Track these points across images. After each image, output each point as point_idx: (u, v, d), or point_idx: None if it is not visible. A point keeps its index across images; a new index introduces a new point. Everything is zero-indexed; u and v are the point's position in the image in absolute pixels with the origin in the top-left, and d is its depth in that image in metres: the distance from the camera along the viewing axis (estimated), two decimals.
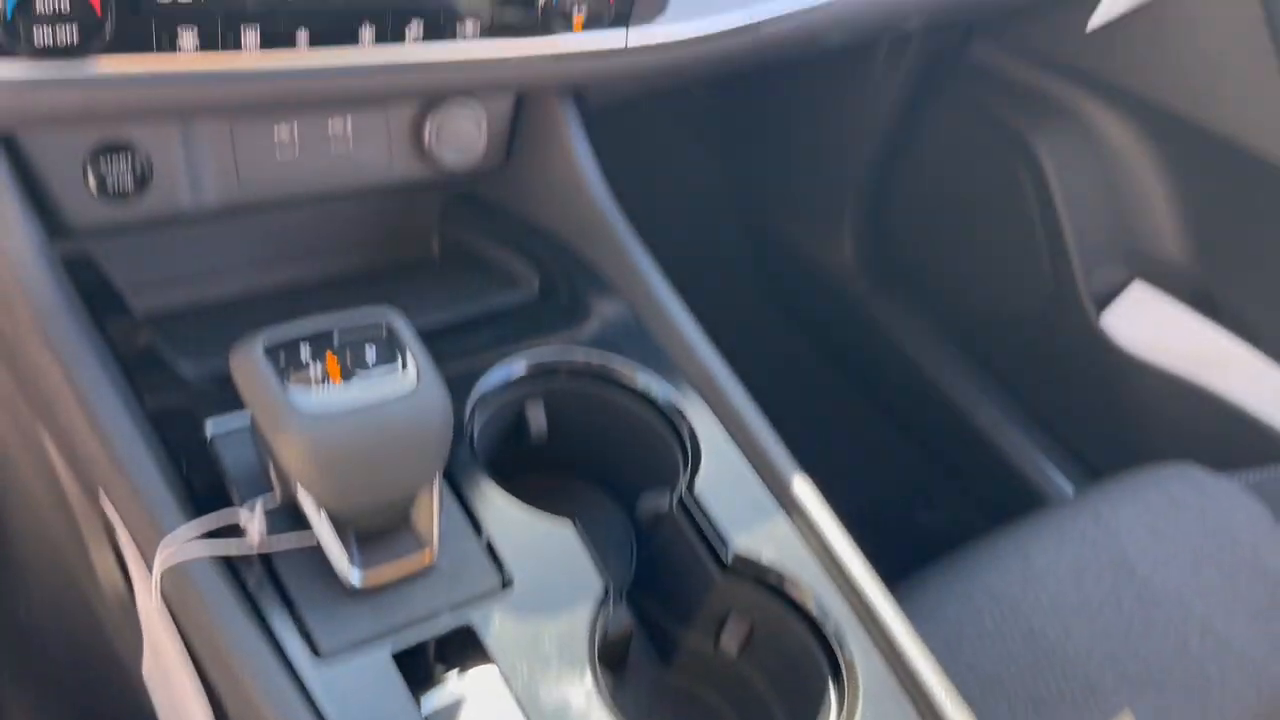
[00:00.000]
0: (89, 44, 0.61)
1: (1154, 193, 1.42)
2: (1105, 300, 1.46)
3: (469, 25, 0.75)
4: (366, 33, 0.71)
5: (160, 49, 0.65)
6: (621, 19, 0.81)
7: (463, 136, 0.86)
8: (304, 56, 0.70)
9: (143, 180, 0.75)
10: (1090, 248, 1.45)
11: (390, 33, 0.72)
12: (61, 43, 0.60)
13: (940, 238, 1.63)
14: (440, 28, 0.74)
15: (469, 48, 0.76)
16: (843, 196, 1.68)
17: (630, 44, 0.83)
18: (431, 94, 0.83)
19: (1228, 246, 1.38)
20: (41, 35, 0.59)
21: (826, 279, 1.73)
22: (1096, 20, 1.27)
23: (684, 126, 1.81)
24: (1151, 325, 1.43)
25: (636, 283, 0.87)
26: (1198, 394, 1.37)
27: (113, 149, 0.73)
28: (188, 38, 0.66)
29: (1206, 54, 1.29)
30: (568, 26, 0.77)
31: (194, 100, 0.70)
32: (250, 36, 0.68)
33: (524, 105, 0.90)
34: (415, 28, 0.73)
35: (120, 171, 0.74)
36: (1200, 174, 1.38)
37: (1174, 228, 1.42)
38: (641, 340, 0.83)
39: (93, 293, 0.74)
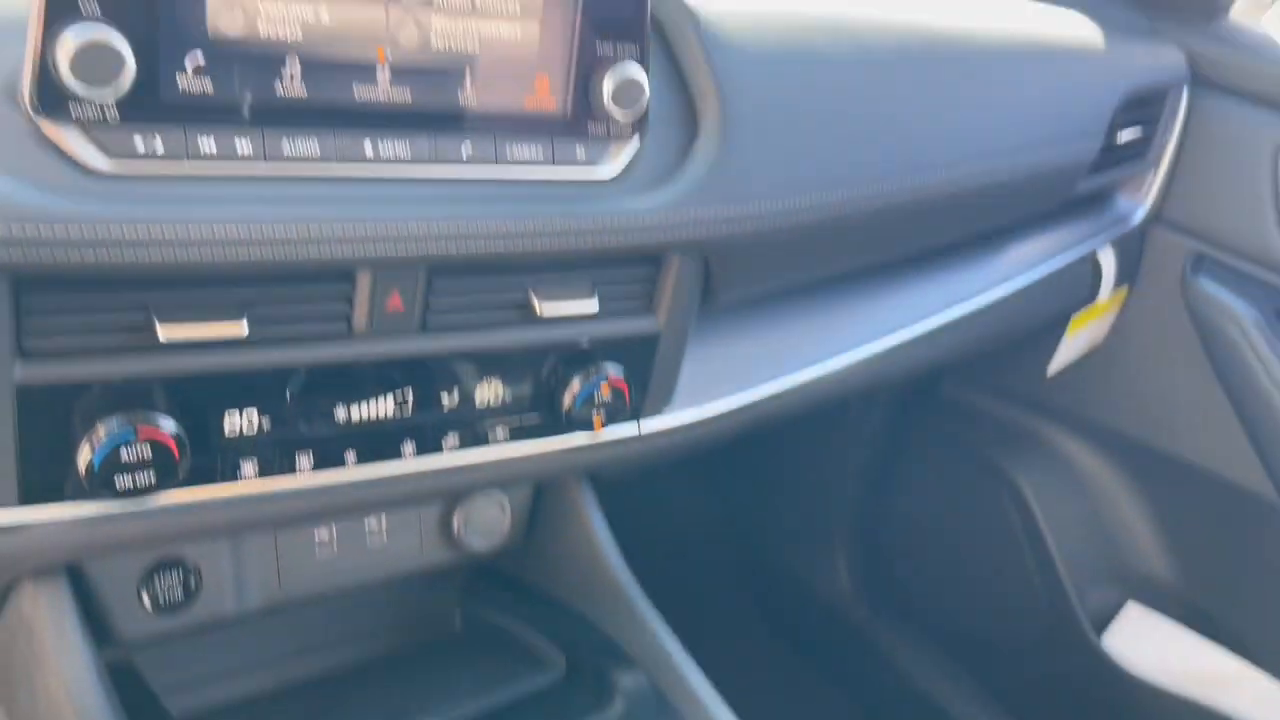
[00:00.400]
0: (163, 483, 0.67)
1: (1135, 516, 1.49)
2: (1103, 622, 1.49)
3: (499, 431, 0.82)
4: (409, 447, 0.78)
5: (224, 479, 0.71)
6: (635, 413, 0.88)
7: (489, 523, 0.92)
8: (351, 473, 0.77)
9: (192, 592, 0.79)
10: (1081, 571, 1.49)
11: (429, 445, 0.79)
12: (140, 485, 0.66)
13: (933, 563, 1.68)
14: (474, 437, 0.81)
15: (499, 451, 0.83)
16: (834, 525, 1.74)
17: (643, 432, 0.90)
18: (461, 491, 0.89)
19: (1213, 564, 1.43)
20: (123, 481, 0.65)
21: (827, 608, 1.75)
22: (1055, 366, 1.39)
23: (676, 465, 1.89)
24: (1152, 646, 1.46)
25: (657, 656, 0.90)
26: (1208, 717, 1.38)
27: (166, 565, 0.78)
28: (249, 467, 0.72)
29: (1159, 388, 1.41)
30: (589, 427, 0.84)
31: (250, 519, 0.75)
32: (304, 460, 0.74)
33: (543, 488, 0.96)
34: (452, 439, 0.80)
35: (171, 586, 0.78)
36: (1175, 496, 1.45)
37: (1159, 548, 1.48)
38: (667, 716, 0.85)
39: (133, 699, 0.76)
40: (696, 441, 0.97)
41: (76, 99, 0.57)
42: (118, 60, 0.57)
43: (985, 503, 1.54)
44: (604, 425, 0.84)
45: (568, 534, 0.96)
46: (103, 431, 0.64)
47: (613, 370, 0.83)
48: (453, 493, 0.89)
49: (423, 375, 0.76)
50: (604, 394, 0.83)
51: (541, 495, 0.96)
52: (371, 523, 0.87)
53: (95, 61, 0.56)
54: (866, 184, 0.93)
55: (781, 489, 1.76)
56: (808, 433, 1.69)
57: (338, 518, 0.85)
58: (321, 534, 0.85)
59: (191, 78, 0.61)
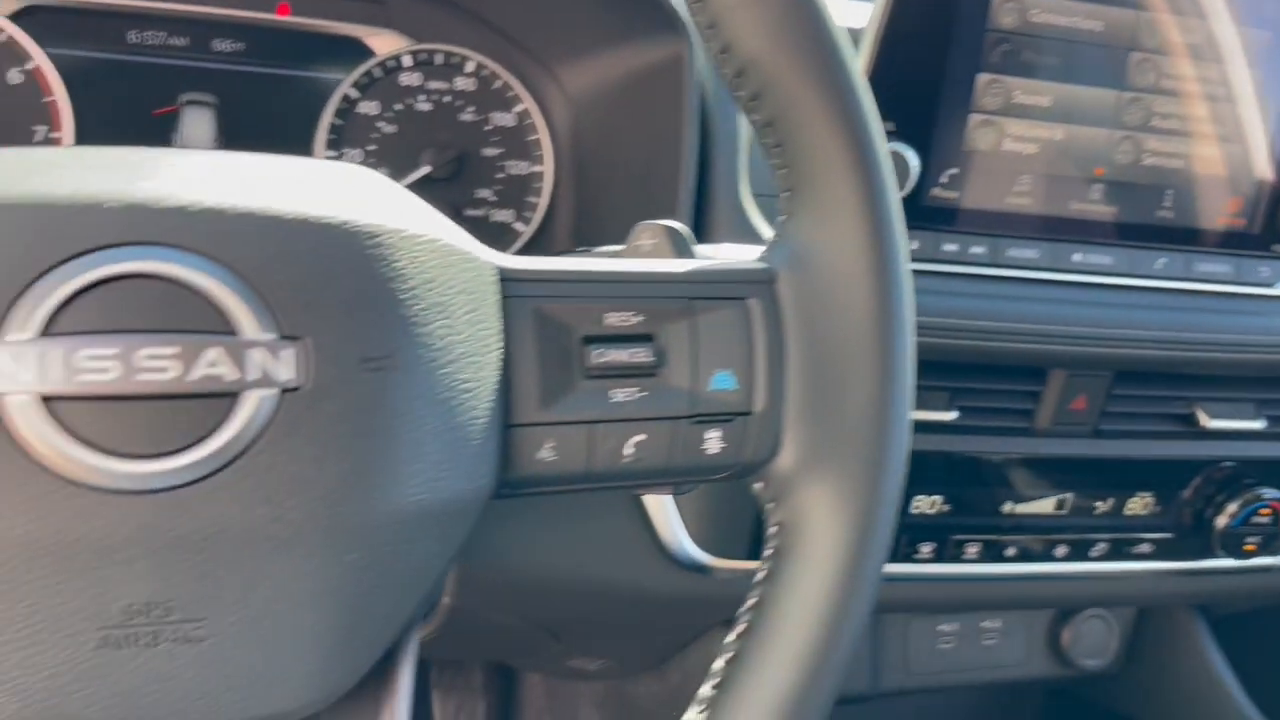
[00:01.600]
0: None
1: None
2: None
3: (1144, 545, 0.82)
4: (1060, 550, 0.80)
5: (897, 558, 0.77)
6: None
7: (1097, 642, 0.91)
8: (1005, 568, 0.79)
9: None
10: None
11: (1079, 550, 0.80)
12: None
13: None
14: (1120, 548, 0.81)
15: (1142, 565, 0.82)
16: None
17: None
18: (1081, 604, 0.89)
19: None
20: None
21: None
22: None
23: None
24: None
25: None
26: None
27: None
28: (925, 549, 0.77)
29: None
30: (1238, 551, 0.81)
31: (911, 601, 0.80)
32: (971, 549, 0.78)
33: (1149, 613, 0.94)
34: (1100, 547, 0.81)
35: None
36: None
37: None
38: None
39: None
40: None
41: None
42: (905, 171, 0.66)
43: None
44: (1257, 551, 0.81)
45: (1178, 667, 0.92)
46: None
47: (1271, 494, 0.80)
48: (1077, 603, 0.89)
49: (1084, 480, 0.78)
50: (1263, 518, 0.80)
51: (1146, 621, 0.94)
52: (988, 623, 0.89)
53: None
54: None
55: None
56: None
57: (965, 614, 0.88)
58: (945, 627, 0.88)
59: (944, 189, 0.69)
